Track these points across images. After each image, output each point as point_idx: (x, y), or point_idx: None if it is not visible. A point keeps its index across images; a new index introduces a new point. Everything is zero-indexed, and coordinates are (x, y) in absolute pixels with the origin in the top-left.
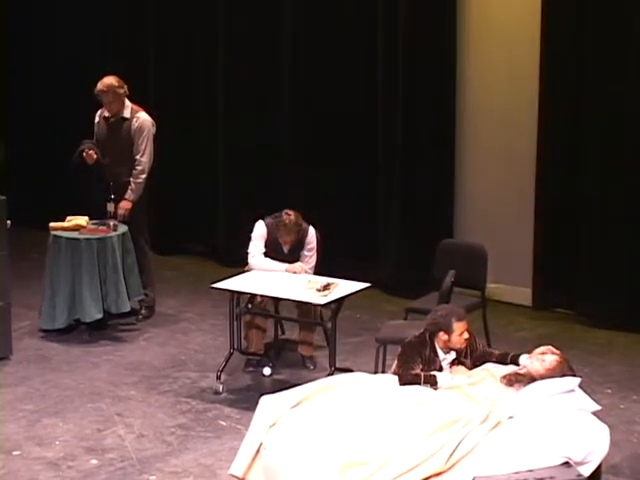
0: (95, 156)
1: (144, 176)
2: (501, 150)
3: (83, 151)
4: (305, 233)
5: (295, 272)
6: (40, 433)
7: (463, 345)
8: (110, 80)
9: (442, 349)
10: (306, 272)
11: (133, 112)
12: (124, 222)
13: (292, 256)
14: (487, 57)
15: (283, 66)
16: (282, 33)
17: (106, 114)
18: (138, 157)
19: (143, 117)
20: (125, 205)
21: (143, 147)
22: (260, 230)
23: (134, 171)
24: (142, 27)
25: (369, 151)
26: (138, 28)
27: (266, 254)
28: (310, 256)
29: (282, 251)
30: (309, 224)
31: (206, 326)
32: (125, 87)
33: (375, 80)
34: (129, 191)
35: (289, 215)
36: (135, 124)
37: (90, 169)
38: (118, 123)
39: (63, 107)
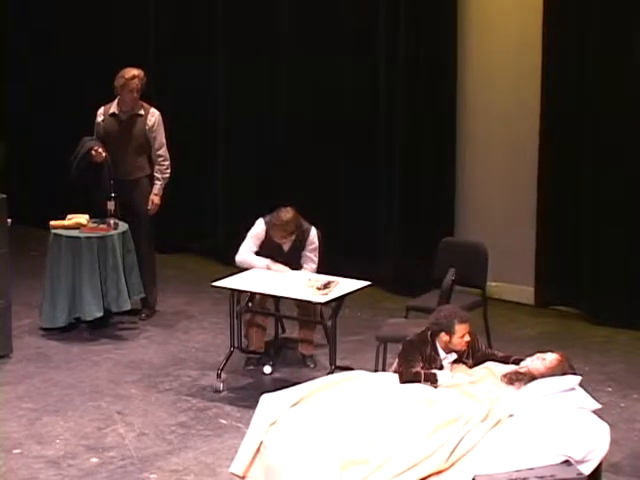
0: (104, 154)
1: (170, 170)
2: (502, 149)
3: (91, 149)
4: (307, 234)
5: (277, 271)
6: (40, 431)
7: (464, 347)
8: (138, 69)
9: (443, 349)
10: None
11: (146, 108)
12: (142, 219)
13: (292, 256)
14: (488, 56)
15: (283, 65)
16: (282, 31)
17: (113, 111)
18: (161, 152)
19: (157, 112)
20: (156, 200)
21: (164, 141)
22: (258, 229)
23: (160, 166)
24: (143, 26)
25: (369, 150)
26: (139, 28)
27: (266, 253)
28: (312, 257)
29: (282, 250)
30: (311, 225)
31: (206, 324)
32: None
33: (376, 80)
34: (158, 186)
35: (283, 213)
36: (151, 119)
37: (95, 167)
38: (131, 120)
39: (63, 107)
